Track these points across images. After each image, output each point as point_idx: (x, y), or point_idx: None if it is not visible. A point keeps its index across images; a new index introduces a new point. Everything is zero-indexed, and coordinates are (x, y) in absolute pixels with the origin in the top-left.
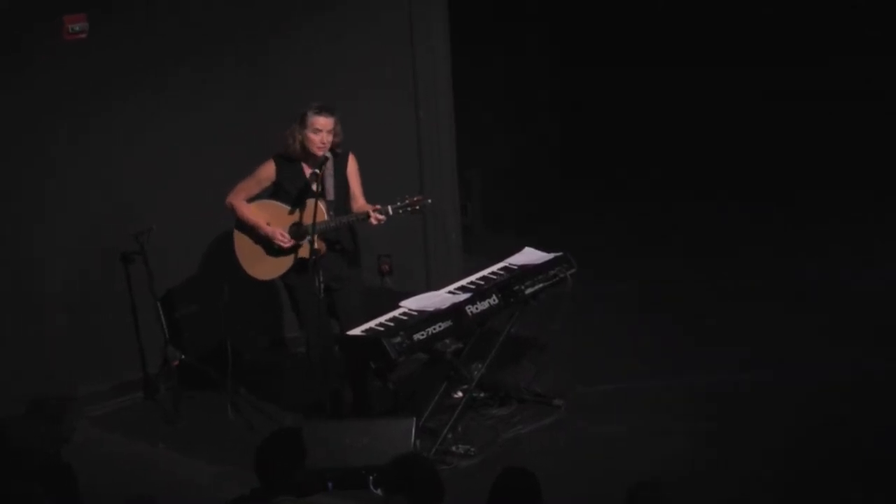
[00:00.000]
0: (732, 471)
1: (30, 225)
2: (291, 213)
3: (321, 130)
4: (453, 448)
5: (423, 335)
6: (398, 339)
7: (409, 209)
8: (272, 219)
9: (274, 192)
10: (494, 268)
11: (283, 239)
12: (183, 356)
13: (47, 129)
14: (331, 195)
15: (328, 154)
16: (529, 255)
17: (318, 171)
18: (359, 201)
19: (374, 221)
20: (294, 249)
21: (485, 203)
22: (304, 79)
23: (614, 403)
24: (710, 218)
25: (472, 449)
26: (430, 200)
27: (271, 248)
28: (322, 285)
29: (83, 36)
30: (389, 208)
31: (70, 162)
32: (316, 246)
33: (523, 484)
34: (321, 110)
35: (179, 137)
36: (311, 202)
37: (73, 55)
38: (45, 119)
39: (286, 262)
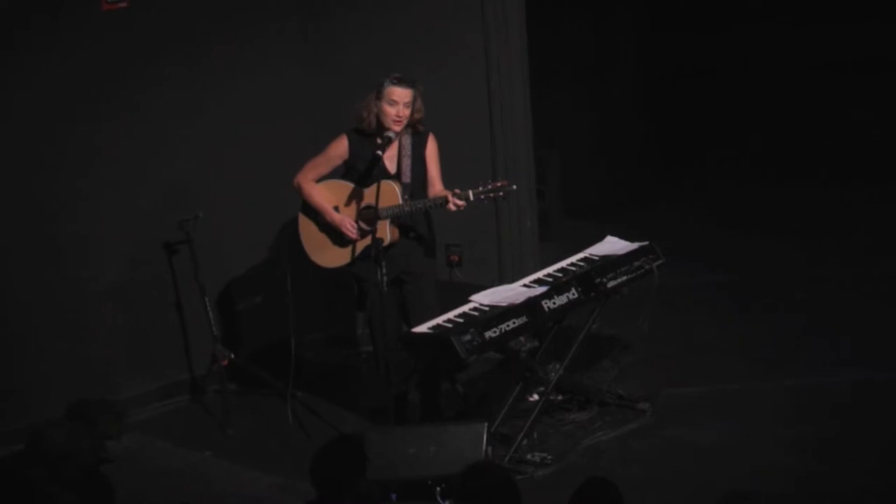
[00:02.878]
0: (838, 482)
1: (72, 213)
2: (363, 195)
3: (397, 102)
4: (528, 456)
5: (495, 332)
6: (468, 337)
7: (491, 195)
8: (341, 202)
9: (345, 171)
10: (573, 258)
11: (352, 230)
12: (232, 355)
13: (89, 109)
14: (407, 177)
15: (391, 135)
16: (612, 245)
17: (379, 152)
18: (436, 186)
19: (452, 207)
20: (364, 235)
21: (563, 186)
22: (369, 48)
23: (705, 407)
24: (809, 203)
25: (549, 457)
26: (514, 186)
27: (338, 236)
28: (385, 277)
29: (123, 5)
30: (470, 193)
31: (114, 143)
32: (388, 232)
33: (605, 495)
34: (399, 81)
35: (235, 114)
36: (382, 184)
37: (115, 27)
38: (86, 98)
39: (354, 249)
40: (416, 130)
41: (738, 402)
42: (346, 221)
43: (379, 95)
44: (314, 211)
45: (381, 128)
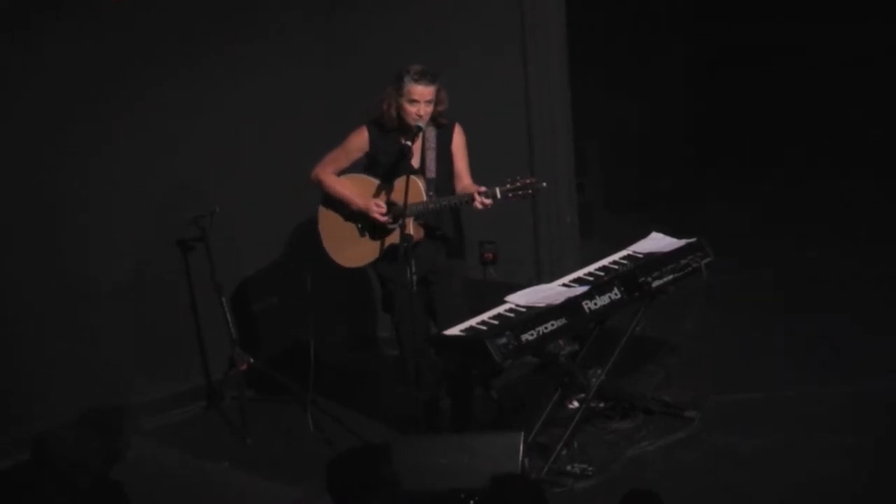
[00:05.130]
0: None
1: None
2: (385, 190)
3: (418, 101)
4: (568, 467)
5: (532, 335)
6: (504, 340)
7: (519, 193)
8: (363, 196)
9: (367, 165)
10: (616, 256)
11: (380, 210)
12: (252, 359)
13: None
14: (432, 172)
15: (422, 125)
16: (657, 242)
17: (408, 142)
18: (464, 181)
19: (478, 206)
20: (388, 232)
21: (605, 179)
22: (393, 32)
23: (756, 415)
24: (862, 199)
25: (590, 468)
26: (544, 184)
27: (364, 227)
28: (415, 277)
29: None
30: (497, 191)
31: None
32: (412, 230)
33: None
34: (420, 77)
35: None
36: (404, 179)
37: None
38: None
39: (377, 247)
40: (439, 123)
41: (792, 410)
42: (372, 202)
43: (399, 91)
44: (335, 206)
45: (402, 122)
